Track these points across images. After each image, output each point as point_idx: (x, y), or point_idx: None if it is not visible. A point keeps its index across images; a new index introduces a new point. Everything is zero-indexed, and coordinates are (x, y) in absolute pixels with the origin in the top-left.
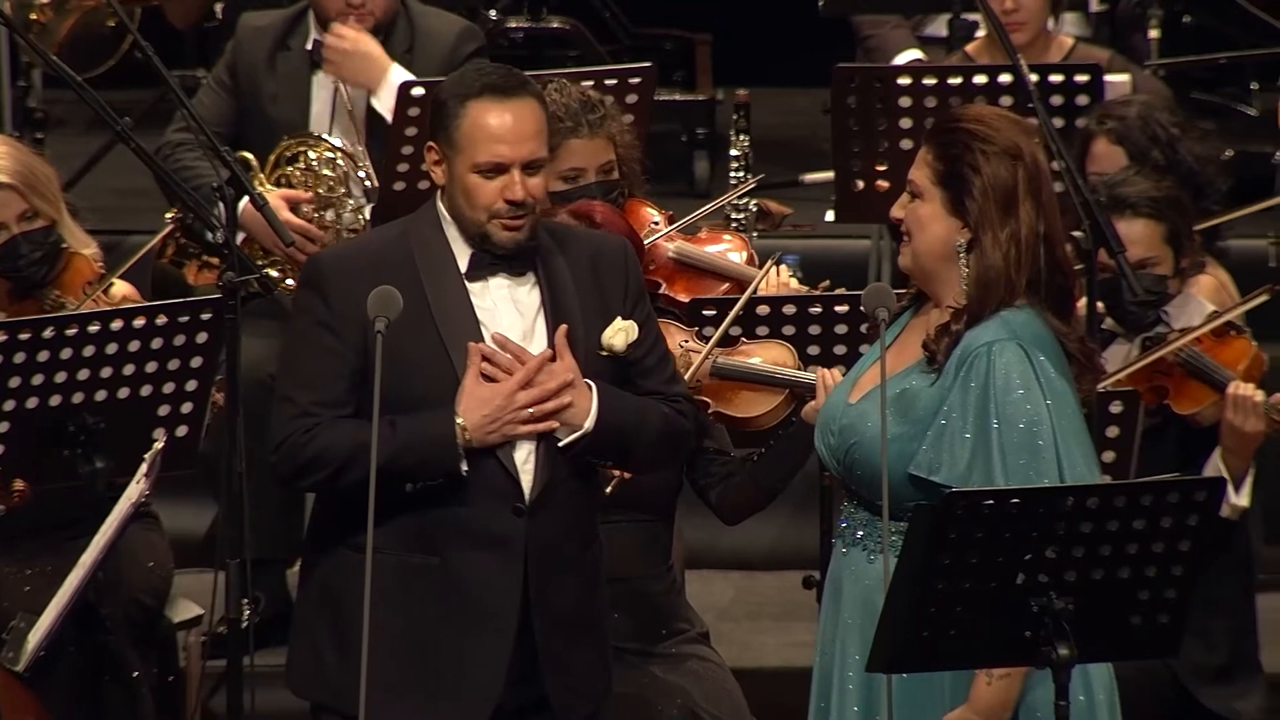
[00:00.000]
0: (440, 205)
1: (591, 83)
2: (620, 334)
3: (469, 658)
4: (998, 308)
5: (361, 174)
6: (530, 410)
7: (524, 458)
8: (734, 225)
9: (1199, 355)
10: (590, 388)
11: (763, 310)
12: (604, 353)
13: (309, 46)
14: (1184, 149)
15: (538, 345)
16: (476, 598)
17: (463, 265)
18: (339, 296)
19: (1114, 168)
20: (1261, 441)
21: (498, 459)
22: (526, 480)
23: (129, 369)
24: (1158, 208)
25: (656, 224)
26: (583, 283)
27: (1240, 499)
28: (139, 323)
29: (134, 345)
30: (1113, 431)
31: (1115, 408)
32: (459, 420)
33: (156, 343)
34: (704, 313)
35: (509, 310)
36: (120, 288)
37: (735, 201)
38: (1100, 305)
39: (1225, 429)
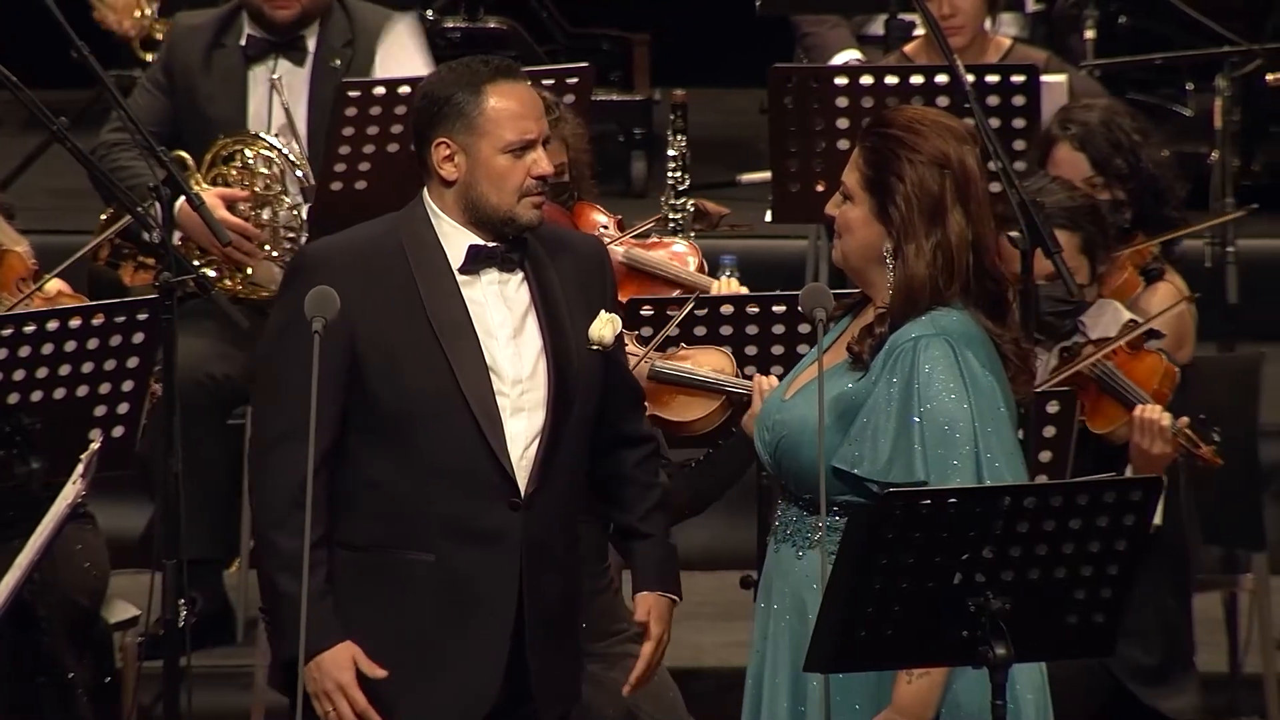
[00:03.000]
0: (430, 201)
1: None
2: (608, 326)
3: (466, 654)
4: (926, 309)
5: (299, 173)
6: (329, 710)
7: (519, 453)
8: (671, 226)
9: (1113, 372)
10: (665, 594)
11: (700, 311)
12: (594, 347)
13: (243, 43)
14: (1146, 156)
15: (528, 341)
16: (473, 594)
17: (455, 260)
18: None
19: (1076, 173)
20: (1171, 463)
21: (494, 454)
22: (522, 475)
23: (65, 369)
24: (1073, 218)
25: (605, 228)
26: (568, 280)
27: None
28: (75, 323)
29: (70, 345)
30: (1049, 431)
31: (1052, 408)
32: (316, 660)
33: (93, 343)
34: (641, 312)
35: (499, 306)
36: (54, 284)
37: (672, 201)
38: None
39: (1133, 450)
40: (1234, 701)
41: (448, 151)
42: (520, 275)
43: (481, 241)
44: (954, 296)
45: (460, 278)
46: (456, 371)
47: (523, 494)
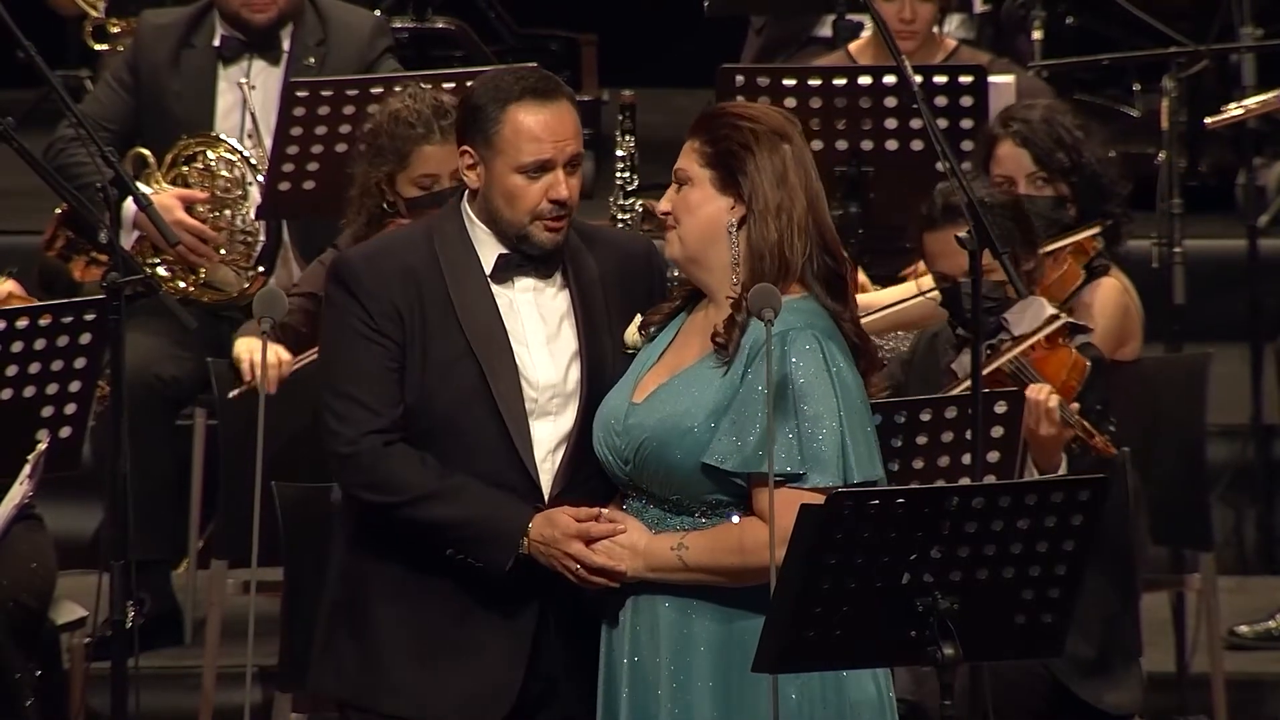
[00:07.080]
0: (466, 207)
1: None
2: None
3: (490, 655)
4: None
5: (260, 177)
6: (577, 566)
7: (544, 456)
8: (620, 226)
9: (1025, 367)
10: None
11: None
12: (629, 351)
13: (216, 43)
14: (1088, 152)
15: (563, 346)
16: (497, 595)
17: (487, 266)
18: (373, 298)
19: (1018, 170)
20: (1061, 446)
21: (520, 460)
22: (546, 479)
23: (12, 370)
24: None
25: None
26: (610, 285)
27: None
28: (22, 323)
29: (17, 346)
30: (998, 432)
31: (1000, 408)
32: (530, 524)
33: (40, 343)
34: None
35: (531, 313)
36: (6, 285)
37: (621, 202)
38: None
39: (1025, 432)
40: (1182, 701)
41: (470, 160)
42: (560, 280)
43: (508, 251)
44: (798, 273)
45: (494, 285)
46: (490, 380)
47: (547, 498)
